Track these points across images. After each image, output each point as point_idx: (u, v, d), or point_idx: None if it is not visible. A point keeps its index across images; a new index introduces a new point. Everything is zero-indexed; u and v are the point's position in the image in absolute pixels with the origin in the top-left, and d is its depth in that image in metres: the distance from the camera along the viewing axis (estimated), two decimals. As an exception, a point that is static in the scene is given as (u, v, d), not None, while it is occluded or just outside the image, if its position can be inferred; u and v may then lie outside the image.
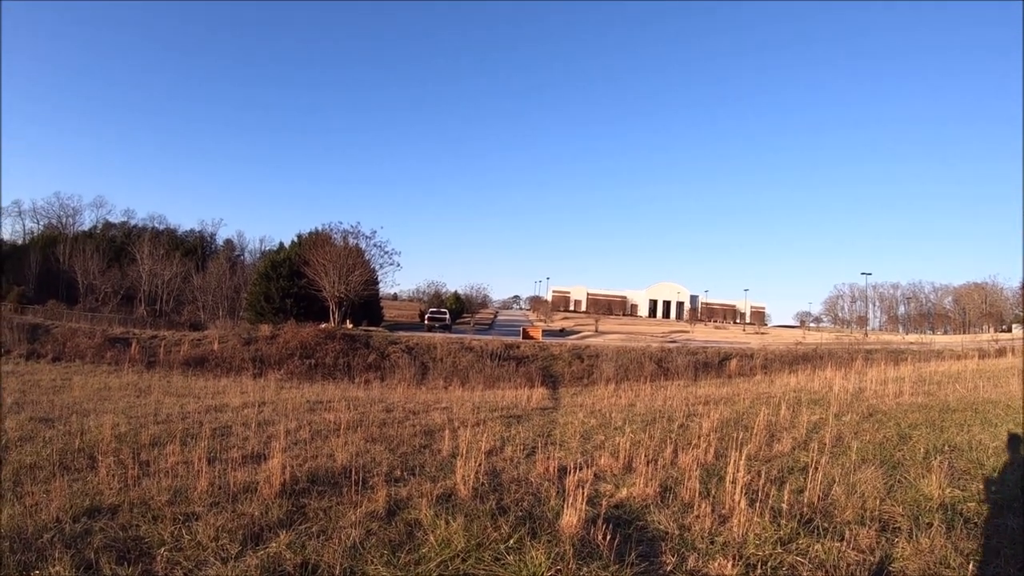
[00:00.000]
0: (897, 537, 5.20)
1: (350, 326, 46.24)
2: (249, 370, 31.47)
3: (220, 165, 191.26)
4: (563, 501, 6.01)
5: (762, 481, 6.90)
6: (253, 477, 7.05)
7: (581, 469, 7.86)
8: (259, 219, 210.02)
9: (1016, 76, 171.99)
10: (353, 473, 7.07)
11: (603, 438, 10.40)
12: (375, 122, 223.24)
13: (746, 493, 6.07)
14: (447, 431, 10.51)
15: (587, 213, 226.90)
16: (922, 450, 8.67)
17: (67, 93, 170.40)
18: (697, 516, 5.86)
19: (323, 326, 41.27)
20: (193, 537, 5.22)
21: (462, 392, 21.98)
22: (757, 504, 5.81)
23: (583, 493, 5.73)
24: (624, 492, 6.79)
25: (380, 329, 47.88)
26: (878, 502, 6.20)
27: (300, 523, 5.57)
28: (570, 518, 5.43)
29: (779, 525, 5.48)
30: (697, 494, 6.52)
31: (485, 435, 10.31)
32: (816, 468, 6.77)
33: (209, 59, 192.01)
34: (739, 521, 5.53)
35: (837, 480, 6.85)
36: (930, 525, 5.37)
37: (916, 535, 5.15)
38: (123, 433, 10.57)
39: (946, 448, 8.75)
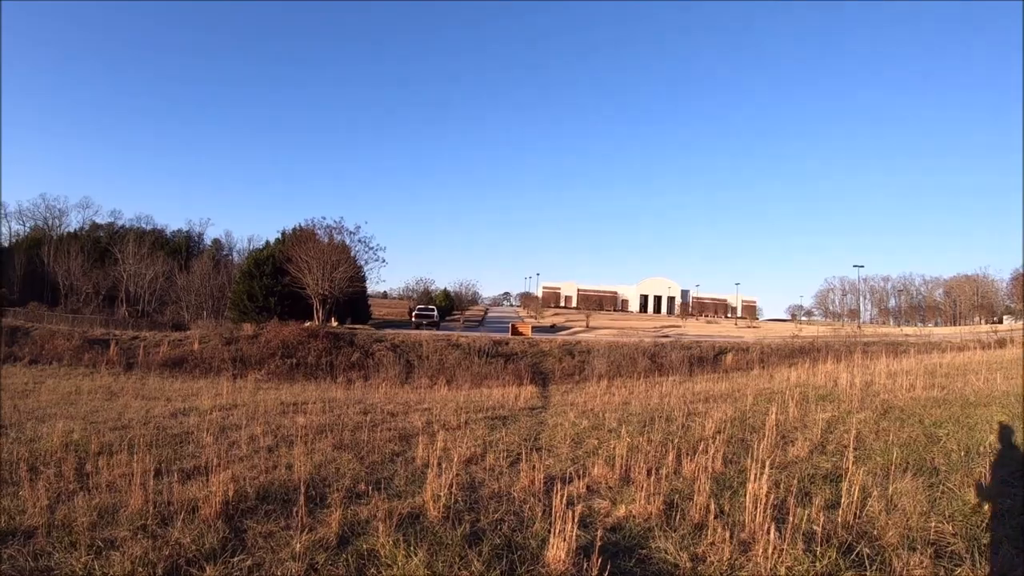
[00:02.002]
0: (958, 566, 4.28)
1: (335, 324, 45.11)
2: (229, 370, 30.36)
3: (208, 165, 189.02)
4: (550, 525, 5.09)
5: (781, 493, 6.02)
6: (197, 493, 6.05)
7: (571, 481, 6.94)
8: (248, 219, 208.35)
9: (1009, 70, 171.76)
10: (310, 488, 6.12)
11: (596, 442, 9.42)
12: (364, 120, 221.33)
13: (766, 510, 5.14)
14: (425, 436, 9.55)
15: (577, 209, 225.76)
16: (957, 452, 7.76)
17: (53, 95, 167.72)
18: (712, 543, 4.94)
19: (307, 324, 40.12)
20: (106, 570, 4.37)
21: (447, 391, 20.95)
22: (786, 526, 4.85)
23: (573, 516, 4.75)
24: (622, 510, 5.83)
25: (366, 327, 46.54)
26: (922, 519, 5.32)
27: (234, 554, 4.63)
28: (557, 550, 4.48)
29: (814, 554, 4.60)
30: (709, 513, 5.60)
31: (466, 440, 9.33)
32: (846, 478, 5.84)
33: (197, 60, 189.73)
34: (765, 550, 4.61)
35: (871, 492, 5.91)
36: (996, 546, 4.42)
37: (979, 562, 4.21)
38: (74, 441, 9.60)
39: (982, 449, 7.80)
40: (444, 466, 6.57)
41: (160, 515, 5.47)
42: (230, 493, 5.80)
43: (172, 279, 78.30)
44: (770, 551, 4.55)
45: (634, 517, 5.66)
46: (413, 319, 59.20)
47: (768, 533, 4.74)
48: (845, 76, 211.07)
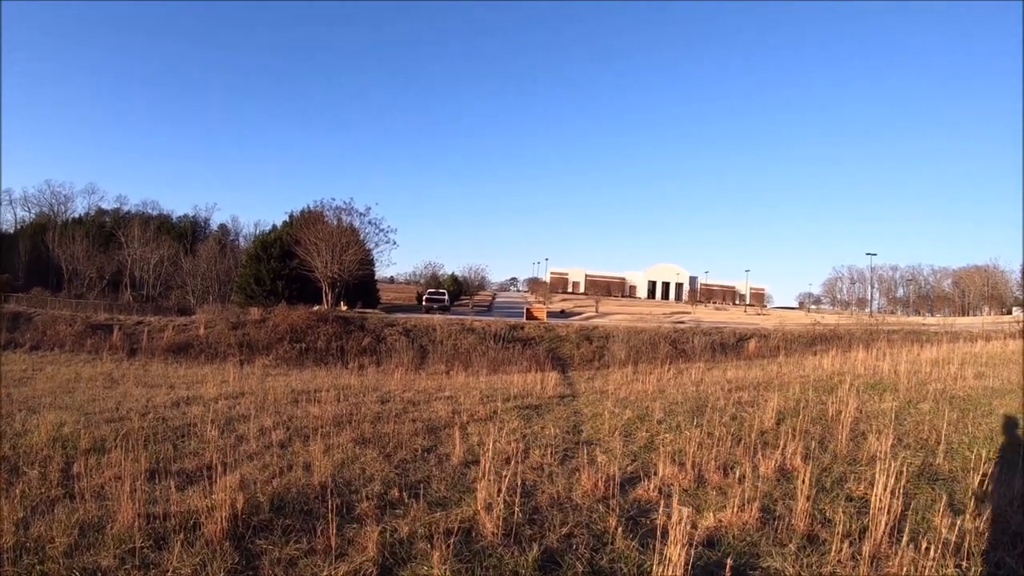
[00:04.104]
0: None
1: (344, 308, 44.06)
2: (235, 356, 29.42)
3: (215, 151, 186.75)
4: (637, 543, 4.13)
5: (879, 492, 5.14)
6: (199, 503, 5.02)
7: (639, 480, 5.98)
8: (255, 204, 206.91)
9: (1016, 58, 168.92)
10: (334, 495, 5.11)
11: (647, 434, 8.44)
12: (372, 106, 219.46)
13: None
14: (455, 428, 8.54)
15: (585, 194, 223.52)
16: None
17: (58, 81, 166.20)
18: (838, 560, 4.09)
19: (315, 308, 39.16)
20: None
21: (466, 377, 19.95)
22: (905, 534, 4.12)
23: (679, 535, 3.74)
24: (710, 519, 4.87)
25: (376, 311, 45.52)
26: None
27: (246, 591, 3.61)
28: (668, 582, 3.49)
29: (963, 571, 3.73)
30: (816, 521, 4.84)
31: (503, 433, 8.30)
32: (979, 477, 4.91)
33: (202, 47, 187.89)
34: (905, 568, 3.85)
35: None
36: None
37: None
38: (63, 436, 8.54)
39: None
40: (488, 465, 5.53)
41: (154, 533, 4.46)
42: (239, 505, 4.76)
43: (178, 263, 77.51)
44: (922, 572, 3.75)
45: (728, 527, 4.76)
46: (424, 303, 58.37)
47: (901, 545, 4.09)
48: (854, 63, 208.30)
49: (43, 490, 5.86)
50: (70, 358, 28.39)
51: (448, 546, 4.01)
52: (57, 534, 4.53)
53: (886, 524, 4.41)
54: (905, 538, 4.19)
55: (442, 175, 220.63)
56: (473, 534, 4.50)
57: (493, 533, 4.44)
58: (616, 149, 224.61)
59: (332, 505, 4.67)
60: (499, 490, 4.94)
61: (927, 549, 4.10)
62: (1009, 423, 8.61)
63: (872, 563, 4.06)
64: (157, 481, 5.97)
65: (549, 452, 7.24)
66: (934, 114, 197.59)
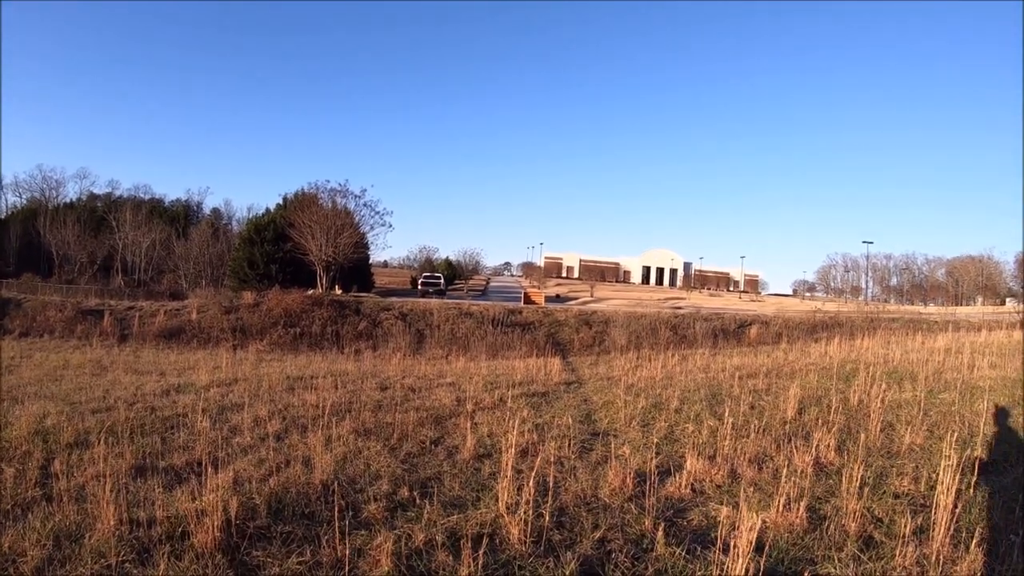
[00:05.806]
0: None
1: (339, 292, 43.58)
2: (229, 341, 28.95)
3: (207, 133, 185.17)
4: (680, 546, 3.81)
5: (922, 488, 5.15)
6: (186, 505, 4.47)
7: (668, 475, 5.54)
8: (248, 187, 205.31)
9: (1014, 47, 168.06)
10: (338, 495, 4.61)
11: (666, 424, 7.96)
12: (366, 88, 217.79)
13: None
14: (462, 418, 8.11)
15: (580, 179, 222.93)
16: None
17: (50, 66, 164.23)
18: (904, 566, 3.77)
19: (310, 292, 38.61)
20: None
21: (466, 363, 19.46)
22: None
23: (743, 546, 3.29)
24: (754, 518, 4.36)
25: (371, 295, 44.92)
26: None
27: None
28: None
29: None
30: (868, 521, 4.49)
31: (515, 423, 7.81)
32: None
33: (194, 29, 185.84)
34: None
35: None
36: None
37: None
38: (46, 428, 7.93)
39: None
40: (509, 462, 5.03)
41: (137, 544, 3.94)
42: (232, 509, 4.23)
43: (170, 247, 76.63)
44: None
45: (775, 529, 4.33)
46: (420, 287, 57.95)
47: (971, 548, 3.81)
48: (851, 53, 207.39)
49: (19, 491, 5.32)
50: (59, 344, 27.87)
51: (475, 558, 3.53)
52: (30, 546, 4.01)
53: (946, 524, 4.00)
54: (975, 540, 3.83)
55: (437, 159, 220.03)
56: (497, 540, 4.02)
57: (520, 540, 3.95)
58: (611, 135, 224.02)
59: (337, 508, 4.18)
60: (519, 488, 4.47)
61: (1005, 552, 3.74)
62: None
63: (938, 568, 3.69)
64: (143, 480, 5.46)
65: (567, 444, 6.76)
66: (930, 102, 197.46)
